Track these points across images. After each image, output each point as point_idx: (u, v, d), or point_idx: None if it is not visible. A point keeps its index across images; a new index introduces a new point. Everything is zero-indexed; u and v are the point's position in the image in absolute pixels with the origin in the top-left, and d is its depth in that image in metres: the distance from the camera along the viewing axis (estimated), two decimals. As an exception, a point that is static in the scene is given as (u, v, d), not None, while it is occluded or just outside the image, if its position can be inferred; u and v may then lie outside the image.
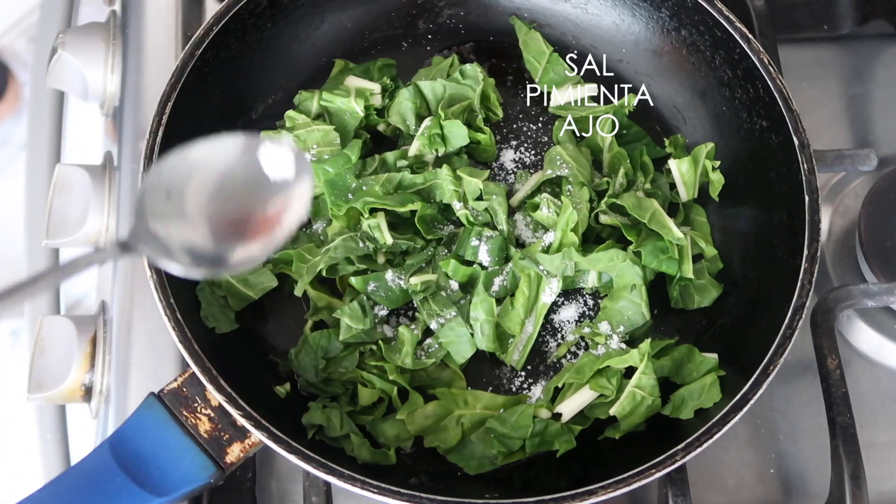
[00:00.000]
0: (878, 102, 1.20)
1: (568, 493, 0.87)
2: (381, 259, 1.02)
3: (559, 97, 1.11)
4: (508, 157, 1.10)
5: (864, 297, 1.01)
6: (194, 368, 0.90)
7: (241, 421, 0.88)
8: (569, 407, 0.97)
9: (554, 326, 1.03)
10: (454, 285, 1.02)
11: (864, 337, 1.07)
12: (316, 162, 1.03)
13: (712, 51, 1.06)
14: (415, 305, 1.02)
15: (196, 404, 0.91)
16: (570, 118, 1.10)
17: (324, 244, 1.02)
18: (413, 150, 1.06)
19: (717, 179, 1.04)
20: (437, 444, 0.96)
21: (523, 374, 1.02)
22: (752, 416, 1.03)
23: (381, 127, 1.09)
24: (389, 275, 1.01)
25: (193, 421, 0.91)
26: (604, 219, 1.02)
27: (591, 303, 1.04)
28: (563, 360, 1.02)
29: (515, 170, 1.09)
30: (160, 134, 0.97)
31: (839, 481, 0.94)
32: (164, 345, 1.01)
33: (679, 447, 0.89)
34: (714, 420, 0.90)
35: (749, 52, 1.02)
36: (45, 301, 1.34)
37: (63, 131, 1.39)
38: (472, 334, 1.00)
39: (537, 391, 1.00)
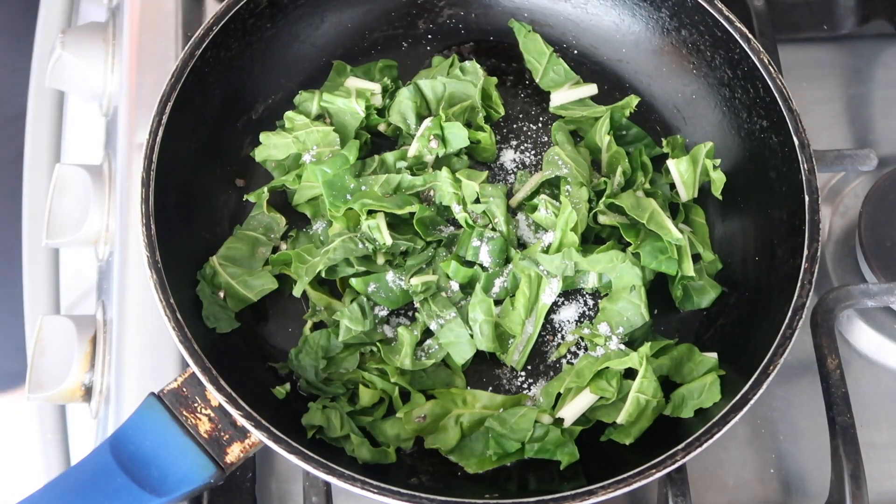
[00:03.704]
0: (878, 102, 1.20)
1: (568, 493, 0.87)
2: (380, 260, 1.02)
3: (559, 97, 1.11)
4: (508, 157, 1.10)
5: (864, 297, 1.01)
6: (194, 368, 0.90)
7: (241, 421, 0.88)
8: (570, 412, 0.97)
9: (554, 326, 1.03)
10: (454, 286, 1.02)
11: (864, 337, 1.07)
12: (315, 163, 1.03)
13: (712, 51, 1.06)
14: (415, 306, 1.02)
15: (196, 404, 0.91)
16: (569, 118, 1.10)
17: (323, 245, 1.02)
18: (412, 150, 1.06)
19: (718, 178, 1.04)
20: (438, 446, 0.96)
21: (523, 374, 1.02)
22: (752, 416, 1.03)
23: (381, 127, 1.09)
24: (390, 276, 1.01)
25: (193, 421, 0.91)
26: (602, 219, 1.02)
27: (591, 303, 1.04)
28: (563, 361, 1.02)
29: (515, 170, 1.09)
30: (160, 134, 0.97)
31: (839, 481, 0.94)
32: (164, 345, 1.01)
33: (679, 447, 0.89)
34: (714, 420, 0.90)
35: (749, 52, 1.02)
36: (45, 301, 1.34)
37: (63, 131, 1.39)
38: (471, 335, 1.00)
39: (537, 391, 1.00)
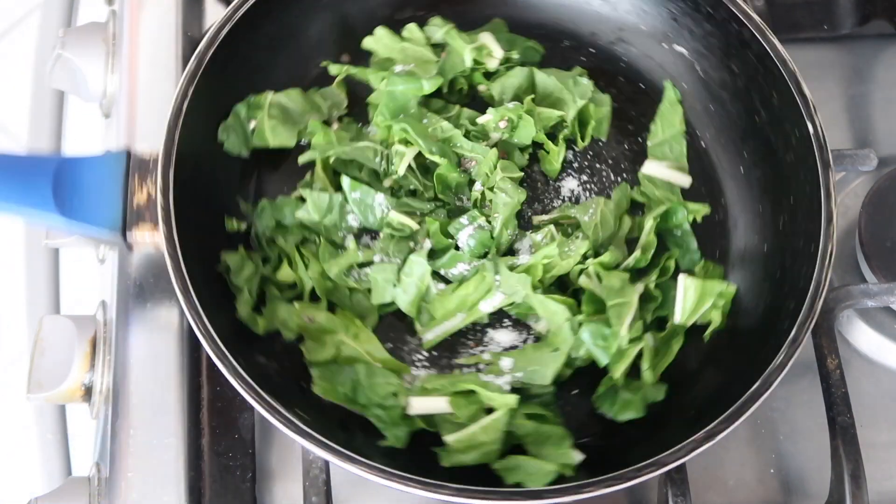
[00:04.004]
0: (878, 102, 1.20)
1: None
2: (386, 183, 1.03)
3: (654, 168, 1.07)
4: (569, 184, 1.08)
5: (864, 297, 1.01)
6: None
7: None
8: (418, 404, 0.96)
9: (483, 338, 1.02)
10: (426, 245, 1.01)
11: (864, 337, 1.07)
12: (397, 76, 1.05)
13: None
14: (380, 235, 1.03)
15: (148, 180, 0.97)
16: (644, 190, 1.06)
17: (358, 141, 1.04)
18: (484, 118, 1.06)
19: (716, 321, 0.99)
20: (306, 355, 0.98)
21: (426, 354, 1.01)
22: (752, 416, 1.03)
23: (481, 88, 1.10)
24: (380, 197, 1.01)
25: (135, 188, 0.97)
26: (583, 280, 0.99)
27: (530, 342, 1.02)
28: (465, 368, 1.01)
29: (566, 198, 1.07)
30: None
31: (839, 481, 0.94)
32: (164, 345, 1.01)
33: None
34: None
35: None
36: (45, 301, 1.34)
37: (63, 131, 1.39)
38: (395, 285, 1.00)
39: (421, 375, 1.00)
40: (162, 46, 1.14)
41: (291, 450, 0.86)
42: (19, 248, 1.42)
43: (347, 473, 0.87)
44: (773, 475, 1.01)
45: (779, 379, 0.90)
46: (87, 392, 1.03)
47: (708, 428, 0.89)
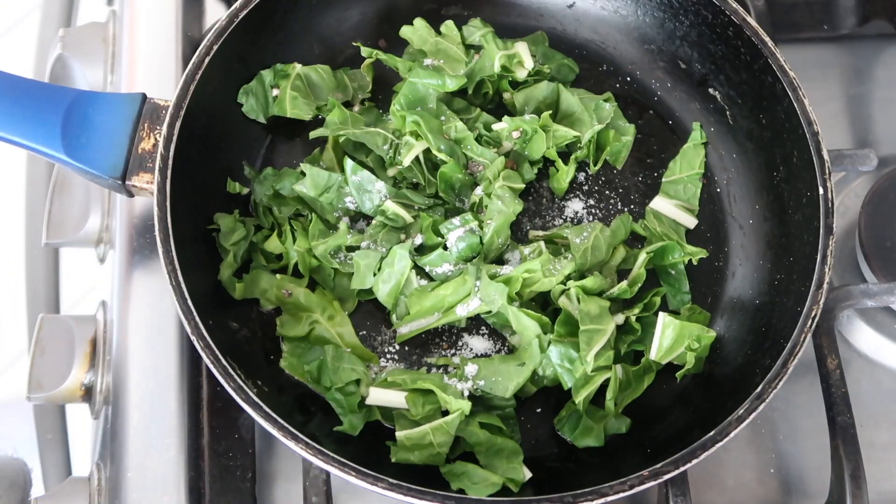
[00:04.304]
0: (878, 102, 1.20)
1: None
2: (390, 172, 1.04)
3: (663, 205, 1.07)
4: (574, 206, 1.08)
5: (864, 297, 1.01)
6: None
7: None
8: (377, 395, 0.96)
9: (458, 342, 1.02)
10: (417, 240, 1.01)
11: (864, 337, 1.07)
12: (423, 69, 1.06)
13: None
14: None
15: (157, 129, 0.97)
16: (647, 224, 1.06)
17: (376, 126, 1.05)
18: (500, 125, 1.06)
19: (690, 364, 0.98)
20: (279, 328, 0.99)
21: (396, 347, 1.02)
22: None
23: (506, 96, 1.10)
24: (380, 185, 1.02)
25: (143, 135, 0.97)
26: (562, 300, 0.99)
27: (504, 352, 1.02)
28: (434, 368, 1.01)
29: (568, 219, 1.07)
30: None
31: (839, 481, 0.94)
32: (164, 345, 1.01)
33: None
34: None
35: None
36: (45, 301, 1.34)
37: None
38: (376, 273, 1.00)
39: (389, 367, 1.00)
40: (162, 46, 1.14)
41: (292, 450, 0.86)
42: (19, 248, 1.42)
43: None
44: (773, 475, 1.01)
45: (736, 431, 0.89)
46: (87, 392, 1.03)
47: (655, 467, 0.88)
